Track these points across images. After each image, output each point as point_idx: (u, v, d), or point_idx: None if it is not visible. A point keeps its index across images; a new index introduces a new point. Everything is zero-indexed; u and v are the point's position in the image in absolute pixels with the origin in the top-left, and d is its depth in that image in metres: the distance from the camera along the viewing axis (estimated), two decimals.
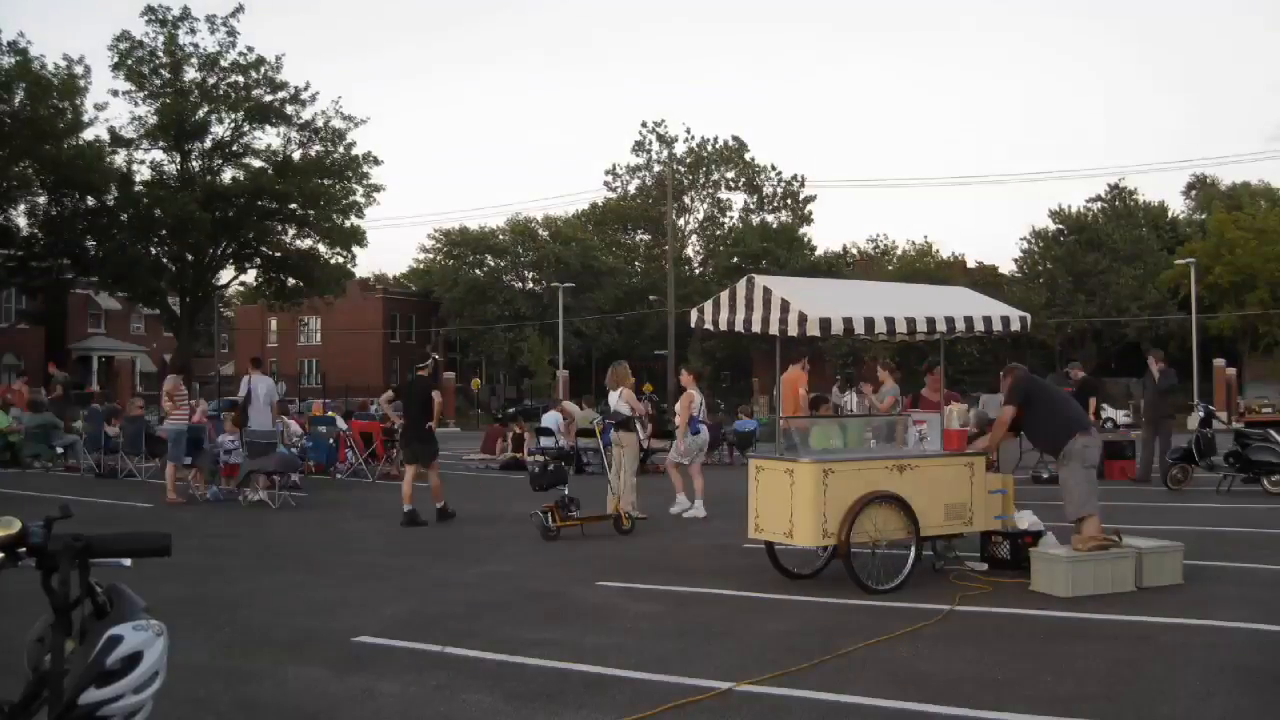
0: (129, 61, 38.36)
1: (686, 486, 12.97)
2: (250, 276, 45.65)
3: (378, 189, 42.32)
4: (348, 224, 41.88)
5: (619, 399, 12.68)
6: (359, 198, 41.87)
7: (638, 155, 66.37)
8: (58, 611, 2.44)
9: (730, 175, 66.64)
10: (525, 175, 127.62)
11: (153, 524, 11.12)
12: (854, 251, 68.16)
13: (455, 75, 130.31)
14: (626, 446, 12.48)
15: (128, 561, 2.63)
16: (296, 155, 40.83)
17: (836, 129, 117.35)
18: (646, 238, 68.64)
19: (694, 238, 67.70)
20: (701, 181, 66.55)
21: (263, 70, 39.81)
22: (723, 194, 67.13)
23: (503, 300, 64.35)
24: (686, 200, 65.89)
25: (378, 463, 18.01)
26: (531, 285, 66.53)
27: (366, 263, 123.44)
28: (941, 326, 8.45)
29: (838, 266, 64.40)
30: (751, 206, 67.07)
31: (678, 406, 13.55)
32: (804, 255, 62.89)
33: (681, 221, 65.05)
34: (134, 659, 2.47)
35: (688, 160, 65.36)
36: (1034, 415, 8.33)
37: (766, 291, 8.17)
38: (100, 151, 37.63)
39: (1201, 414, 16.83)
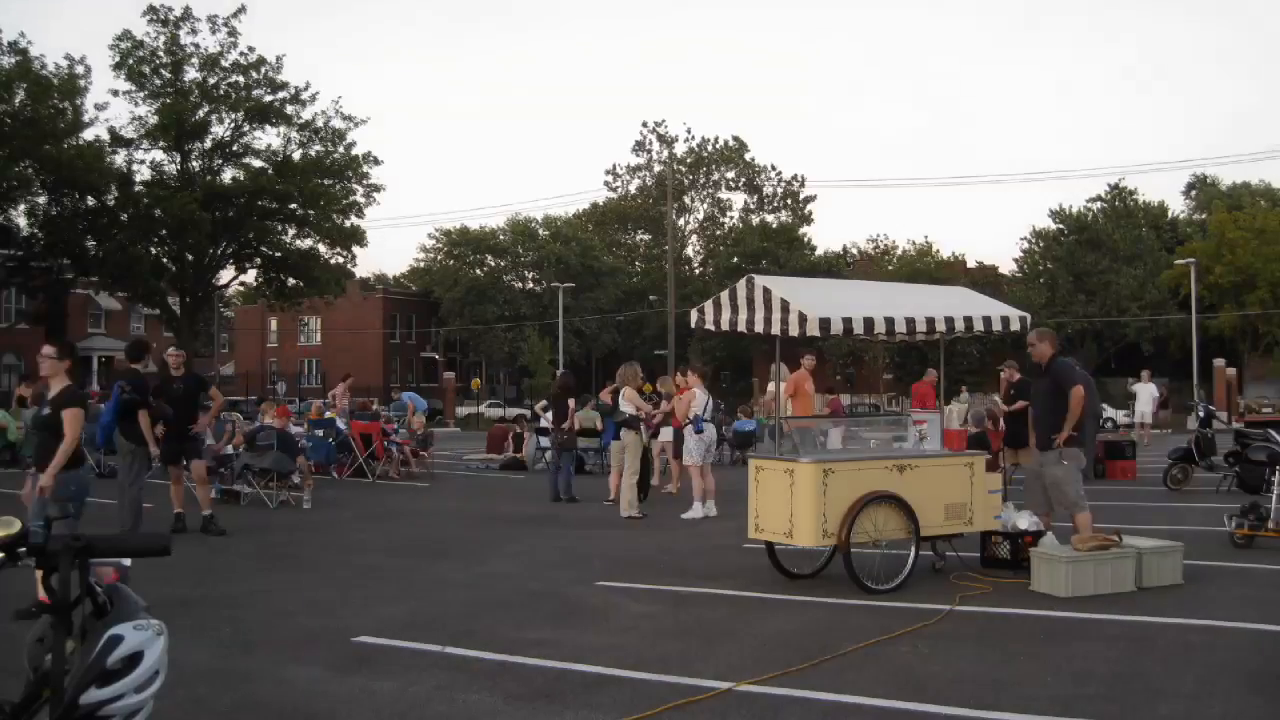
0: (130, 61, 38.34)
1: (700, 490, 12.79)
2: (250, 276, 45.64)
3: (378, 189, 42.36)
4: (347, 224, 41.88)
5: (622, 399, 12.99)
6: (359, 198, 41.90)
7: (638, 155, 66.44)
8: (57, 611, 2.44)
9: (730, 175, 66.65)
10: (525, 175, 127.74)
11: (153, 524, 11.12)
12: (854, 251, 68.19)
13: (456, 75, 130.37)
14: (629, 445, 12.69)
15: (128, 561, 2.63)
16: (296, 155, 40.82)
17: (836, 129, 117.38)
18: (646, 238, 68.67)
19: (694, 238, 67.73)
20: (701, 181, 66.55)
21: (263, 70, 39.81)
22: (723, 194, 67.19)
23: (503, 300, 64.37)
24: (686, 200, 65.88)
25: (378, 463, 18.02)
26: (531, 285, 66.56)
27: (366, 263, 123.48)
28: (941, 326, 8.45)
29: (838, 266, 64.41)
30: (751, 206, 67.09)
31: (675, 406, 13.59)
32: (804, 255, 62.90)
33: (681, 221, 65.05)
34: (134, 659, 2.47)
35: (688, 160, 65.36)
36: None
37: (766, 291, 8.17)
38: (100, 151, 37.58)
39: (1201, 414, 16.82)
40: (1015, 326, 8.75)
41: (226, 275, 44.81)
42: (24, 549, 2.48)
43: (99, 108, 42.41)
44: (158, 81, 38.85)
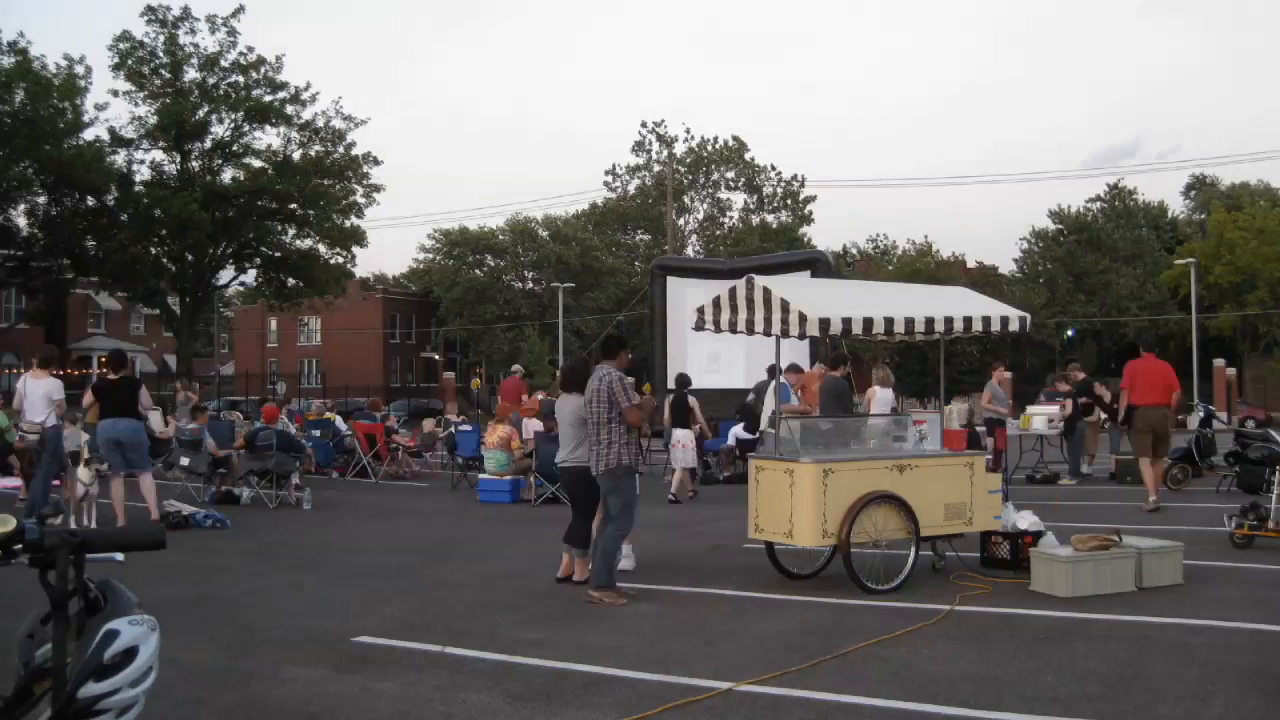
0: (129, 62, 38.35)
1: None
2: (250, 276, 45.64)
3: (377, 189, 42.36)
4: (347, 224, 41.89)
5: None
6: (359, 198, 41.90)
7: (638, 155, 66.38)
8: (56, 606, 2.44)
9: (730, 175, 66.61)
10: (525, 175, 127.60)
11: (151, 523, 11.10)
12: (854, 251, 68.17)
13: (455, 75, 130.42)
14: None
15: (120, 556, 2.63)
16: (296, 155, 40.83)
17: (836, 129, 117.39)
18: (646, 238, 68.58)
19: (694, 238, 67.67)
20: (701, 181, 66.51)
21: (263, 70, 39.83)
22: (723, 194, 67.14)
23: (503, 300, 64.34)
24: (686, 200, 65.85)
25: (381, 463, 18.01)
26: (531, 285, 66.53)
27: (366, 263, 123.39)
28: (941, 326, 8.43)
29: (838, 266, 64.38)
30: (751, 206, 67.06)
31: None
32: None
33: (681, 221, 65.02)
34: (130, 653, 2.47)
35: (688, 160, 65.32)
36: None
37: (766, 292, 8.14)
38: (100, 151, 37.57)
39: (1201, 414, 16.81)
40: (1015, 326, 8.73)
41: (226, 275, 44.84)
42: (19, 545, 2.48)
43: (99, 108, 42.45)
44: (157, 82, 38.85)
